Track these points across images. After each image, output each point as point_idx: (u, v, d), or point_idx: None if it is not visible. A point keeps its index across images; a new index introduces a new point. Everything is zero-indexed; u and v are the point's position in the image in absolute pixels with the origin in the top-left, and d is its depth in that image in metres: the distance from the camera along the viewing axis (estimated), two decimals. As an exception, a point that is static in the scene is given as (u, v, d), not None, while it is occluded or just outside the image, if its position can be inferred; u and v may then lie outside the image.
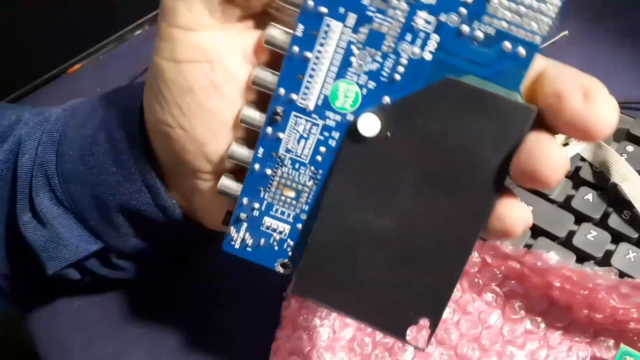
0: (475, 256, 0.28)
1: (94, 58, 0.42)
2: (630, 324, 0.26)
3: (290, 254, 0.22)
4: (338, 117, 0.20)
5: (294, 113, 0.20)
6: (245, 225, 0.22)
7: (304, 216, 0.21)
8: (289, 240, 0.22)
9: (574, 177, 0.31)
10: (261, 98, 0.21)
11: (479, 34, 0.18)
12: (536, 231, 0.30)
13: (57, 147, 0.26)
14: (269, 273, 0.32)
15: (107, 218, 0.26)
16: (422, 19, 0.18)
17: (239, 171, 0.22)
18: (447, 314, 0.28)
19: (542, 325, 0.27)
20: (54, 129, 0.26)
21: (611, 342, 0.27)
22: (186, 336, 0.30)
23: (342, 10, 0.19)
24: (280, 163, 0.21)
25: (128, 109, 0.24)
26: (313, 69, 0.19)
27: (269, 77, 0.20)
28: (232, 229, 0.22)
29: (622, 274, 0.28)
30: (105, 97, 0.26)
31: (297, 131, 0.20)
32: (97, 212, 0.26)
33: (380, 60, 0.19)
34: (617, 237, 0.29)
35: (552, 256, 0.26)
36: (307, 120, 0.20)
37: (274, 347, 0.28)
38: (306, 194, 0.21)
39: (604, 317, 0.26)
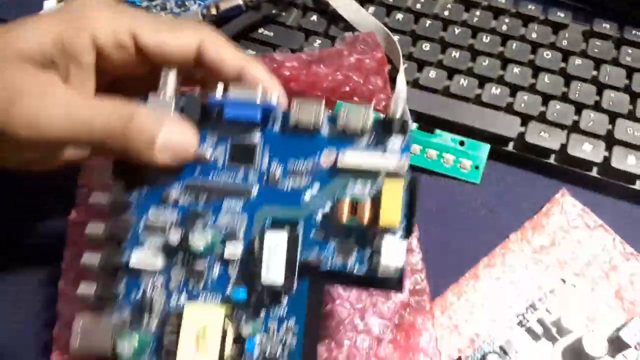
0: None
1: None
2: (344, 88, 0.36)
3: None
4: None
5: None
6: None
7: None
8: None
9: (302, 8, 0.41)
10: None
11: None
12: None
13: None
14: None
15: None
16: None
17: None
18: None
19: (289, 109, 0.37)
20: None
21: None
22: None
23: None
24: None
25: None
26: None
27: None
28: None
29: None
30: None
31: None
32: None
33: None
34: (333, 39, 0.40)
35: (278, 54, 0.36)
36: None
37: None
38: None
39: (325, 89, 0.36)
